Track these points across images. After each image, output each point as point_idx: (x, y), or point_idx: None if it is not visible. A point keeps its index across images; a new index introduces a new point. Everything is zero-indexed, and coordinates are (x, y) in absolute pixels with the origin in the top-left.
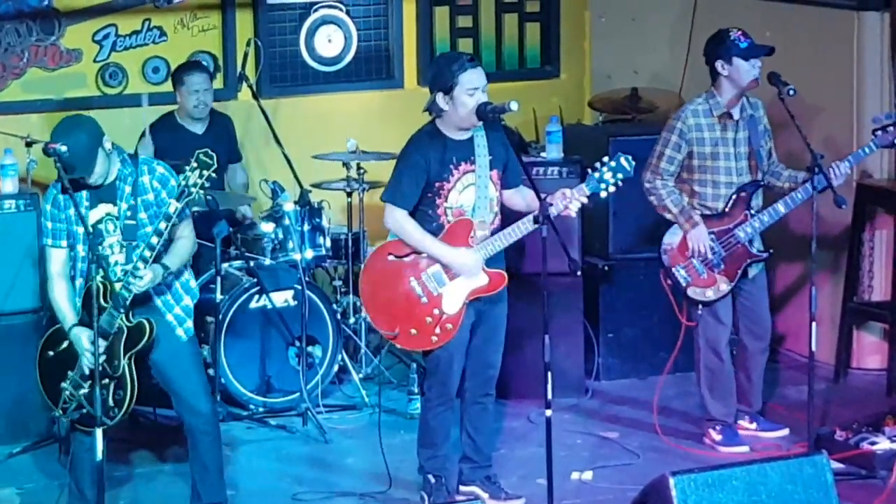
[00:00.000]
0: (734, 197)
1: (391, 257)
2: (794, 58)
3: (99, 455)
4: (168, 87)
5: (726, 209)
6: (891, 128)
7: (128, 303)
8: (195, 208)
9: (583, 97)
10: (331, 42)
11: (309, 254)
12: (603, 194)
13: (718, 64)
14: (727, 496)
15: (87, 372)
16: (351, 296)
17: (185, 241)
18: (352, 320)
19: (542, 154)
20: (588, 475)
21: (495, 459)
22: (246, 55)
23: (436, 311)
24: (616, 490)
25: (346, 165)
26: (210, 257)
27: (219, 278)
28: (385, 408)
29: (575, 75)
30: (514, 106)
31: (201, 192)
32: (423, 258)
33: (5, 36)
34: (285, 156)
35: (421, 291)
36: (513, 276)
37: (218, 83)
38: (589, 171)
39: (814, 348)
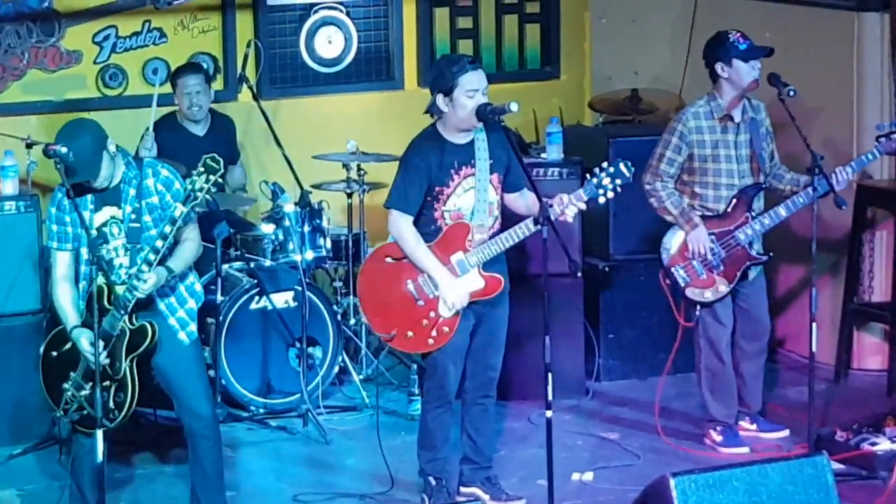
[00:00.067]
0: (735, 199)
1: (389, 259)
2: (794, 58)
3: (99, 457)
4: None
5: (727, 211)
6: (895, 135)
7: (131, 305)
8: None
9: (583, 98)
10: (331, 43)
11: (309, 255)
12: (601, 200)
13: (718, 66)
14: (728, 497)
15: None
16: (351, 297)
17: (191, 243)
18: (352, 321)
19: (542, 155)
20: (589, 476)
21: (496, 460)
22: (246, 56)
23: (432, 314)
24: (617, 491)
25: (347, 166)
26: (210, 258)
27: (219, 279)
28: (386, 409)
29: (575, 76)
30: (513, 107)
31: (208, 196)
32: None
33: (5, 37)
34: (285, 157)
35: (417, 294)
36: (513, 278)
37: (218, 84)
38: (587, 176)
39: (814, 349)
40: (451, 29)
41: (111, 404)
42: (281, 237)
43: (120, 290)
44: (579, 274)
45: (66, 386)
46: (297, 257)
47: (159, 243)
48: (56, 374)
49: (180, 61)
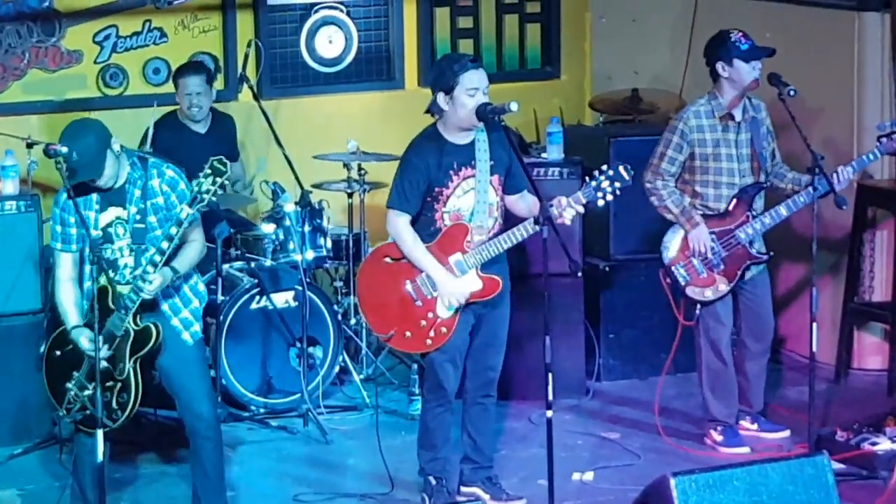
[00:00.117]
0: (736, 198)
1: (387, 260)
2: (795, 58)
3: (100, 457)
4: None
5: (728, 210)
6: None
7: (135, 306)
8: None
9: (583, 98)
10: (331, 43)
11: (310, 255)
12: (600, 203)
13: (719, 65)
14: (728, 497)
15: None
16: (352, 297)
17: (196, 244)
18: (353, 321)
19: (543, 155)
20: (589, 476)
21: (496, 460)
22: (246, 56)
23: (430, 315)
24: (617, 491)
25: (347, 166)
26: (211, 258)
27: (220, 279)
28: (386, 409)
29: (575, 76)
30: (514, 107)
31: (213, 198)
32: None
33: (6, 37)
34: (286, 157)
35: (415, 295)
36: (514, 278)
37: (219, 84)
38: (586, 179)
39: (815, 349)
40: (452, 29)
41: (114, 405)
42: (281, 237)
43: (125, 290)
44: (580, 274)
45: (69, 385)
46: (298, 257)
47: (165, 245)
48: (59, 374)
49: (181, 61)
